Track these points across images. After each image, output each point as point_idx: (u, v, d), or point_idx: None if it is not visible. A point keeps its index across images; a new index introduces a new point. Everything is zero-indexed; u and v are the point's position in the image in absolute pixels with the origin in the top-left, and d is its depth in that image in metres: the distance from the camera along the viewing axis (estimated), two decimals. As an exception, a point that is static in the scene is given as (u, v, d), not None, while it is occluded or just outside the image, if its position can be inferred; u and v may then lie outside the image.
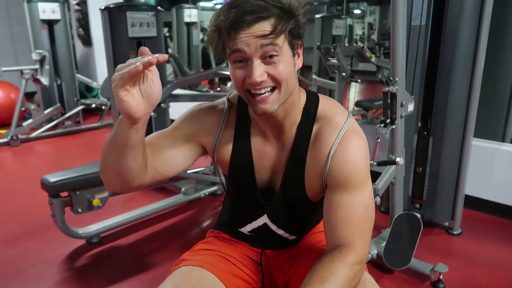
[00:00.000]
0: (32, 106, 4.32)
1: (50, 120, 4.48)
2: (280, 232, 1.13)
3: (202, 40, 6.11)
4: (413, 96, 1.95)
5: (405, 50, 1.77)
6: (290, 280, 1.10)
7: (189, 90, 5.00)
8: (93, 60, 5.52)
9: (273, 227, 1.12)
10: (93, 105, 4.78)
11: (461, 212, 2.28)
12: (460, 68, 2.03)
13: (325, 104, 1.01)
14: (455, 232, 2.30)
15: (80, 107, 4.77)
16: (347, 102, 4.77)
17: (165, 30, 5.92)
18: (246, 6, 0.82)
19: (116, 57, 2.66)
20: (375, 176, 1.71)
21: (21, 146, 4.13)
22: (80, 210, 2.03)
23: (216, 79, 5.63)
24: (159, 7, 2.84)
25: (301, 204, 1.07)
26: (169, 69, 5.17)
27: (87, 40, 5.52)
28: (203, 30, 6.21)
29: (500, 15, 2.39)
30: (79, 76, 5.05)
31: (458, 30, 1.99)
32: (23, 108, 4.27)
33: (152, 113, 2.64)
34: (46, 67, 4.12)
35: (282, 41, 0.86)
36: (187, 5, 5.96)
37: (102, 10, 2.63)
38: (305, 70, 4.69)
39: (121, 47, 2.66)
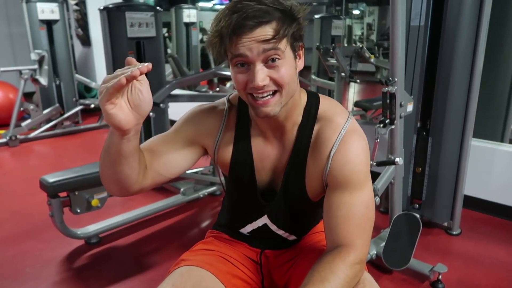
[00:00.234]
0: (31, 106, 4.32)
1: (49, 120, 4.48)
2: (280, 232, 1.13)
3: (201, 41, 6.11)
4: (412, 96, 1.95)
5: (404, 50, 1.77)
6: (290, 280, 1.09)
7: (188, 90, 5.00)
8: (92, 60, 5.52)
9: (273, 227, 1.12)
10: (92, 105, 4.78)
11: (460, 212, 2.28)
12: (459, 68, 2.04)
13: (326, 104, 1.01)
14: (454, 232, 2.30)
15: (79, 107, 4.77)
16: (346, 103, 4.77)
17: (164, 30, 5.91)
18: (248, 11, 0.82)
19: (115, 57, 2.66)
20: (374, 176, 1.70)
21: (19, 147, 4.13)
22: (79, 211, 2.03)
23: (215, 79, 5.64)
24: (158, 7, 2.84)
25: (301, 204, 1.07)
26: (168, 69, 5.17)
27: (86, 40, 5.52)
28: (202, 30, 6.21)
29: (499, 16, 2.39)
30: (78, 76, 5.05)
31: (457, 30, 1.99)
32: (21, 108, 4.26)
33: (151, 113, 2.64)
34: (45, 67, 4.11)
35: (284, 45, 0.85)
36: (186, 6, 5.96)
37: (101, 10, 2.63)
38: (304, 71, 4.66)
39: (120, 47, 2.66)
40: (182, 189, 2.64)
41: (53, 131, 4.49)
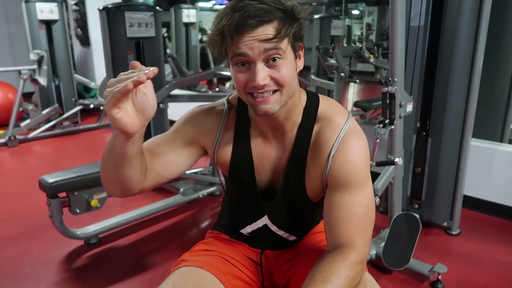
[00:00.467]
0: (30, 107, 4.32)
1: (48, 120, 4.47)
2: (281, 233, 1.13)
3: (201, 41, 6.11)
4: (411, 97, 1.95)
5: (404, 50, 1.77)
6: (290, 281, 1.09)
7: (188, 90, 5.00)
8: (91, 60, 5.51)
9: (273, 228, 1.12)
10: (91, 106, 4.77)
11: (459, 213, 2.28)
12: (459, 68, 2.04)
13: (326, 104, 1.01)
14: (453, 233, 2.30)
15: (78, 108, 4.76)
16: (346, 103, 4.77)
17: (164, 30, 5.91)
18: (250, 10, 0.82)
19: (115, 57, 2.65)
20: (374, 176, 1.70)
21: (19, 147, 4.12)
22: (78, 211, 2.03)
23: (215, 80, 5.63)
24: (157, 7, 2.84)
25: (301, 204, 1.07)
26: (167, 69, 5.17)
27: (85, 40, 5.52)
28: (201, 30, 6.21)
29: (499, 16, 2.39)
30: (77, 76, 5.05)
31: (456, 30, 1.99)
32: (21, 109, 4.26)
33: (151, 114, 2.64)
34: (44, 67, 4.10)
35: (285, 44, 0.85)
36: (185, 6, 5.96)
37: (100, 10, 2.63)
38: (303, 71, 4.65)
39: (119, 47, 2.65)
40: (181, 189, 2.64)
41: (52, 131, 4.48)
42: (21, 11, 4.48)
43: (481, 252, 2.13)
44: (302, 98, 1.00)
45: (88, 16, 5.33)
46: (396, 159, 1.76)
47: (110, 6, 2.64)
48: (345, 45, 5.08)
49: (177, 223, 2.49)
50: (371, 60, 3.91)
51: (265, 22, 0.83)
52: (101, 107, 4.65)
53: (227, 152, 1.04)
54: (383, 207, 2.52)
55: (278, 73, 0.86)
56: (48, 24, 4.54)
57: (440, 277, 1.81)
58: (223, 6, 0.88)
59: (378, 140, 1.74)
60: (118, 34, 2.63)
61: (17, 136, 4.13)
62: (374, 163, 1.74)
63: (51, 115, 4.46)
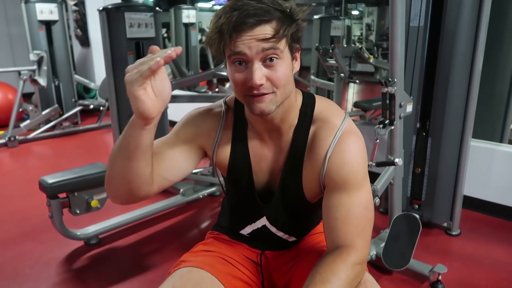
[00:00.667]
0: (30, 107, 4.31)
1: (48, 121, 4.47)
2: (280, 234, 1.13)
3: (200, 41, 6.11)
4: (411, 97, 1.95)
5: (403, 51, 1.77)
6: (290, 281, 1.09)
7: (188, 91, 5.00)
8: (91, 61, 5.51)
9: (272, 229, 1.12)
10: (91, 106, 4.77)
11: (459, 213, 2.28)
12: (459, 69, 2.04)
13: (322, 105, 1.01)
14: (453, 233, 2.30)
15: (78, 108, 4.76)
16: (346, 103, 4.78)
17: (163, 30, 5.91)
18: (249, 9, 0.82)
19: (114, 58, 2.65)
20: (374, 177, 1.70)
21: (18, 147, 4.12)
22: (78, 212, 2.03)
23: (215, 80, 5.64)
24: (157, 8, 2.84)
25: (299, 205, 1.06)
26: (167, 69, 5.16)
27: (85, 41, 5.52)
28: (201, 31, 6.21)
29: (498, 16, 2.39)
30: (77, 77, 5.05)
31: (456, 31, 1.99)
32: (20, 109, 4.26)
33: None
34: (44, 68, 4.11)
35: (283, 45, 0.86)
36: (185, 6, 5.96)
37: (100, 11, 2.63)
38: (303, 71, 4.69)
39: (119, 48, 2.65)
40: (181, 190, 2.64)
41: (52, 131, 4.48)
42: (20, 11, 4.48)
43: (481, 252, 2.13)
44: (298, 99, 1.00)
45: (87, 16, 5.33)
46: (396, 160, 1.76)
47: (110, 6, 2.64)
48: (345, 45, 5.09)
49: (177, 224, 2.49)
50: (371, 60, 3.91)
51: (264, 22, 0.83)
52: (101, 108, 4.65)
53: (225, 153, 1.04)
54: (383, 207, 2.52)
55: (275, 73, 0.86)
56: (48, 24, 4.54)
57: (440, 277, 1.81)
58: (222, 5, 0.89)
59: (378, 141, 1.74)
60: (118, 34, 2.63)
61: (17, 137, 4.13)
62: (374, 164, 1.74)
63: (51, 116, 4.46)
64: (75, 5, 5.32)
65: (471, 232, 2.33)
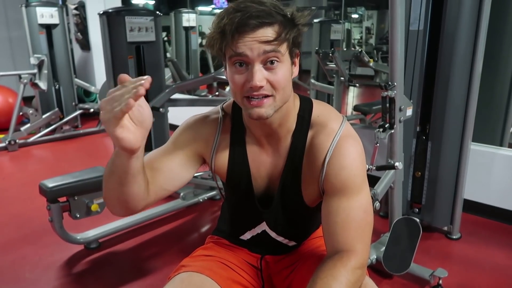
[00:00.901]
0: (30, 111, 4.32)
1: (48, 124, 4.47)
2: (280, 238, 1.13)
3: (201, 45, 6.13)
4: (411, 101, 1.95)
5: (403, 54, 1.77)
6: (291, 286, 1.09)
7: (188, 94, 5.01)
8: (91, 64, 5.52)
9: (272, 234, 1.12)
10: (91, 110, 4.78)
11: (460, 217, 2.28)
12: (458, 72, 2.04)
13: (319, 109, 1.01)
14: (454, 237, 2.30)
15: (78, 112, 4.77)
16: (346, 106, 4.78)
17: (164, 34, 5.93)
18: (252, 11, 0.82)
19: (115, 61, 2.66)
20: (374, 180, 1.71)
21: (19, 151, 4.12)
22: (78, 215, 2.03)
23: (215, 84, 5.64)
24: (157, 12, 2.85)
25: (299, 210, 1.06)
26: (167, 73, 5.18)
27: (85, 45, 5.52)
28: (201, 34, 6.23)
29: (498, 20, 2.40)
30: (77, 80, 5.06)
31: (456, 34, 1.99)
32: (21, 113, 4.26)
33: (151, 118, 2.64)
34: (44, 71, 4.11)
35: (284, 48, 0.86)
36: (185, 10, 5.97)
37: (100, 15, 2.63)
38: (303, 75, 4.70)
39: (119, 52, 2.66)
40: (181, 194, 2.64)
41: (52, 135, 4.49)
42: (21, 15, 4.50)
43: (482, 256, 2.13)
44: (296, 104, 1.00)
45: (88, 20, 5.34)
46: (396, 163, 1.76)
47: (110, 10, 2.65)
48: (345, 49, 5.10)
49: (177, 228, 2.48)
50: (371, 64, 3.92)
51: (266, 24, 0.83)
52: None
53: (224, 159, 1.04)
54: (383, 211, 2.52)
55: (275, 76, 0.86)
56: (48, 28, 4.56)
57: (441, 281, 1.80)
58: (224, 7, 0.89)
59: (378, 144, 1.74)
60: (118, 38, 2.64)
61: (17, 140, 4.13)
62: (374, 167, 1.74)
63: (51, 119, 4.47)
64: (76, 9, 5.33)
65: (472, 236, 2.32)
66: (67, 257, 2.15)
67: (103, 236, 2.25)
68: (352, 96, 5.13)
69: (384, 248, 1.88)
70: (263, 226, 1.11)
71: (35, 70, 4.11)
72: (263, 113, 0.88)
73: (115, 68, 2.67)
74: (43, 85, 4.11)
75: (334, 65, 3.64)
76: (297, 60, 0.93)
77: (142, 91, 0.69)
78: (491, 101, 2.61)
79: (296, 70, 0.94)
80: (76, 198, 2.00)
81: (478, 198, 2.51)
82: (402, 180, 2.04)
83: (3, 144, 4.08)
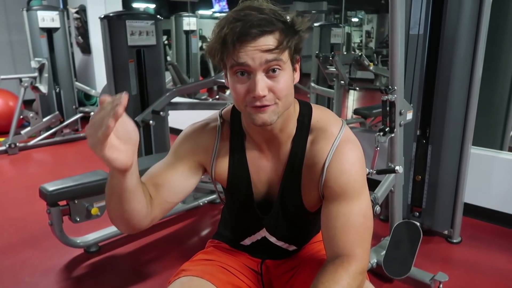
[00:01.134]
0: (31, 114, 4.32)
1: (48, 128, 4.48)
2: (280, 243, 1.13)
3: (201, 48, 6.15)
4: (411, 105, 1.95)
5: (403, 58, 1.77)
6: (291, 290, 1.09)
7: (188, 98, 5.01)
8: (92, 68, 5.53)
9: (272, 239, 1.11)
10: (92, 113, 4.77)
11: (460, 220, 2.28)
12: (458, 76, 2.04)
13: (319, 114, 1.01)
14: (454, 241, 2.29)
15: (78, 115, 4.77)
16: (346, 110, 4.78)
17: (164, 38, 5.94)
18: (253, 20, 0.82)
19: (115, 65, 2.67)
20: (374, 184, 1.71)
21: (19, 154, 4.12)
22: (78, 219, 2.02)
23: (215, 87, 5.65)
24: (158, 16, 2.85)
25: (299, 215, 1.06)
26: (168, 77, 5.18)
27: (86, 48, 5.54)
28: (202, 38, 6.25)
29: (498, 24, 2.41)
30: (77, 84, 5.07)
31: (456, 38, 2.00)
32: (21, 116, 4.27)
33: (151, 121, 2.65)
34: (45, 75, 4.12)
35: (286, 56, 0.86)
36: (186, 14, 5.99)
37: (101, 19, 2.64)
38: (303, 78, 4.70)
39: (120, 56, 2.67)
40: (181, 197, 2.63)
41: (52, 138, 4.49)
42: (22, 19, 4.51)
43: (482, 260, 2.12)
44: (296, 109, 1.00)
45: (89, 24, 5.36)
46: (397, 167, 1.76)
47: (111, 14, 2.66)
48: (345, 52, 5.11)
49: (177, 231, 2.48)
50: (371, 67, 3.92)
51: (267, 33, 0.83)
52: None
53: (224, 166, 1.04)
54: (383, 215, 2.52)
55: (277, 84, 0.86)
56: (49, 32, 4.57)
57: (441, 285, 1.80)
58: (223, 14, 0.88)
59: (378, 148, 1.74)
60: (119, 42, 2.64)
61: (17, 144, 4.13)
62: (375, 171, 1.74)
63: (52, 123, 4.47)
64: (77, 12, 5.34)
65: (472, 240, 2.32)
66: (67, 261, 2.14)
67: (103, 240, 2.25)
68: (352, 99, 5.13)
69: (384, 252, 1.88)
70: (263, 233, 1.10)
71: (36, 74, 4.11)
72: (266, 119, 0.88)
73: (115, 72, 2.68)
74: (43, 88, 4.11)
75: (334, 69, 3.65)
76: (298, 66, 0.93)
77: (120, 110, 0.68)
78: (491, 105, 2.61)
79: (297, 76, 0.94)
80: (76, 202, 1.99)
81: (478, 202, 2.51)
82: (403, 184, 2.04)
83: (3, 148, 4.09)
